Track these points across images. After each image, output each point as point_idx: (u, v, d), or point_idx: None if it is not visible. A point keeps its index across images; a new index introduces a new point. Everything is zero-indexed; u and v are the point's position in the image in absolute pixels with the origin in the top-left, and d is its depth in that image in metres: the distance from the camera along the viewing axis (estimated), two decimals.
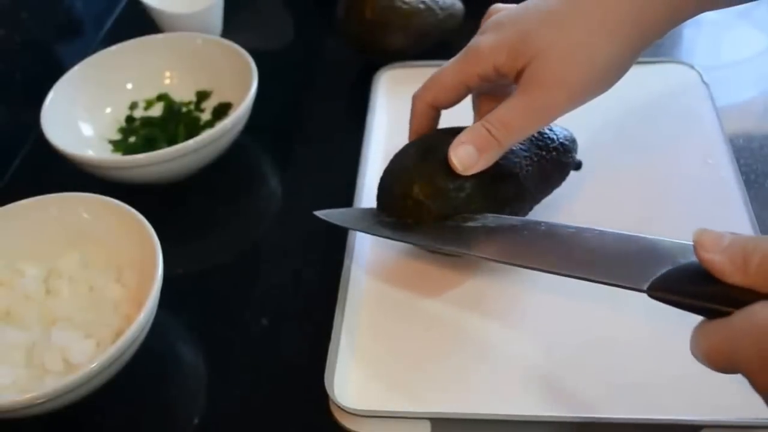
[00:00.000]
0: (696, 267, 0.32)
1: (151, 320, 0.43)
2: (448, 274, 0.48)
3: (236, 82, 0.59)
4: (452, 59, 0.45)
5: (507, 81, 0.44)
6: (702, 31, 0.68)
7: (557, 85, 0.42)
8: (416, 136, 0.48)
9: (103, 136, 0.61)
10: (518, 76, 0.43)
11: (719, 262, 0.30)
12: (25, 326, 0.46)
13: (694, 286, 0.32)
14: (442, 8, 0.64)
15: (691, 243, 0.31)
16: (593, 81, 0.42)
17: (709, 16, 0.68)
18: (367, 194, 0.52)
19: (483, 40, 0.44)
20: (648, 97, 0.56)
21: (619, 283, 0.35)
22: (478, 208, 0.43)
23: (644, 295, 0.44)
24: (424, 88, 0.47)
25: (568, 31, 0.41)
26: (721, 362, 0.30)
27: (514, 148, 0.45)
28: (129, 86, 0.64)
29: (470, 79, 0.44)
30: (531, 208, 0.47)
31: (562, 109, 0.42)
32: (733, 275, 0.30)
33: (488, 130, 0.42)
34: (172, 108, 0.63)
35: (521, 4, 0.45)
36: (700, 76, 0.59)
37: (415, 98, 0.47)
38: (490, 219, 0.43)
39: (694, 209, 0.50)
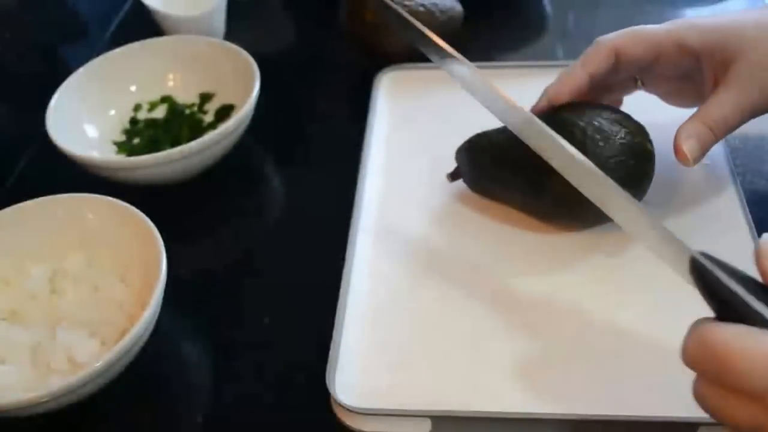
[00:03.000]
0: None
1: (154, 319, 0.44)
2: (450, 273, 0.48)
3: (239, 84, 0.59)
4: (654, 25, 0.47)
5: (694, 66, 0.46)
6: None
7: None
8: (588, 74, 0.47)
9: (108, 138, 0.61)
10: (721, 66, 0.44)
11: None
12: (31, 325, 0.46)
13: (740, 279, 0.30)
14: (441, 11, 0.64)
15: None
16: None
17: None
18: (368, 194, 0.53)
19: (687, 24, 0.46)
20: (644, 98, 0.57)
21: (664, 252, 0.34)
22: None
23: (641, 295, 0.45)
24: (620, 34, 0.47)
25: None
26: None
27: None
28: (133, 88, 0.64)
29: (665, 48, 0.46)
30: None
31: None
32: None
33: (710, 128, 0.44)
34: (175, 110, 0.64)
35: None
36: None
37: (603, 40, 0.47)
38: None
39: (691, 209, 0.50)
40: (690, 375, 0.41)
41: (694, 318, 0.32)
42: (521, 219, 0.50)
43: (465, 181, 0.52)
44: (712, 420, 0.38)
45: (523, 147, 0.47)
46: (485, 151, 0.49)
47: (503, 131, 0.49)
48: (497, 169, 0.49)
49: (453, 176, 0.52)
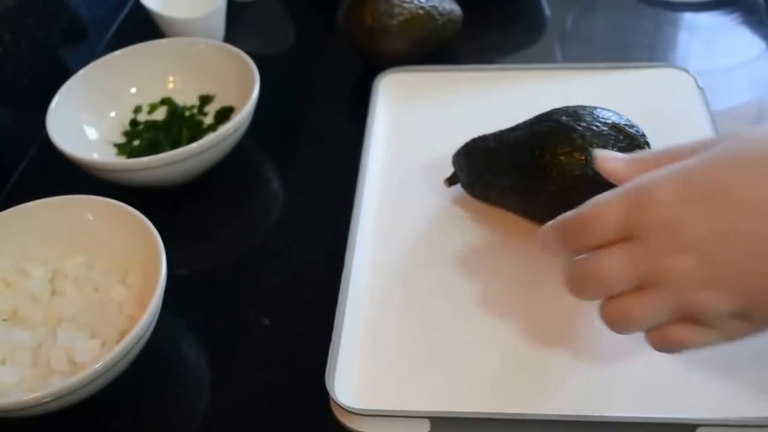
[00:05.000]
0: None
1: (154, 320, 0.44)
2: (448, 275, 0.48)
3: (239, 86, 0.60)
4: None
5: None
6: (697, 36, 0.69)
7: None
8: None
9: (108, 140, 0.61)
10: None
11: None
12: (31, 326, 0.46)
13: None
14: (441, 14, 0.64)
15: None
16: None
17: (704, 21, 0.70)
18: (368, 196, 0.53)
19: None
20: (643, 101, 0.57)
21: None
22: None
23: None
24: None
25: None
26: None
27: None
28: (133, 90, 0.64)
29: None
30: None
31: None
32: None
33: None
34: (175, 112, 0.64)
35: None
36: (695, 80, 0.59)
37: None
38: None
39: None
40: (688, 376, 0.41)
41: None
42: (519, 223, 0.50)
43: (462, 185, 0.52)
44: (711, 420, 0.39)
45: (520, 151, 0.47)
46: (482, 155, 0.50)
47: (500, 135, 0.49)
48: (494, 173, 0.49)
49: (450, 181, 0.52)
